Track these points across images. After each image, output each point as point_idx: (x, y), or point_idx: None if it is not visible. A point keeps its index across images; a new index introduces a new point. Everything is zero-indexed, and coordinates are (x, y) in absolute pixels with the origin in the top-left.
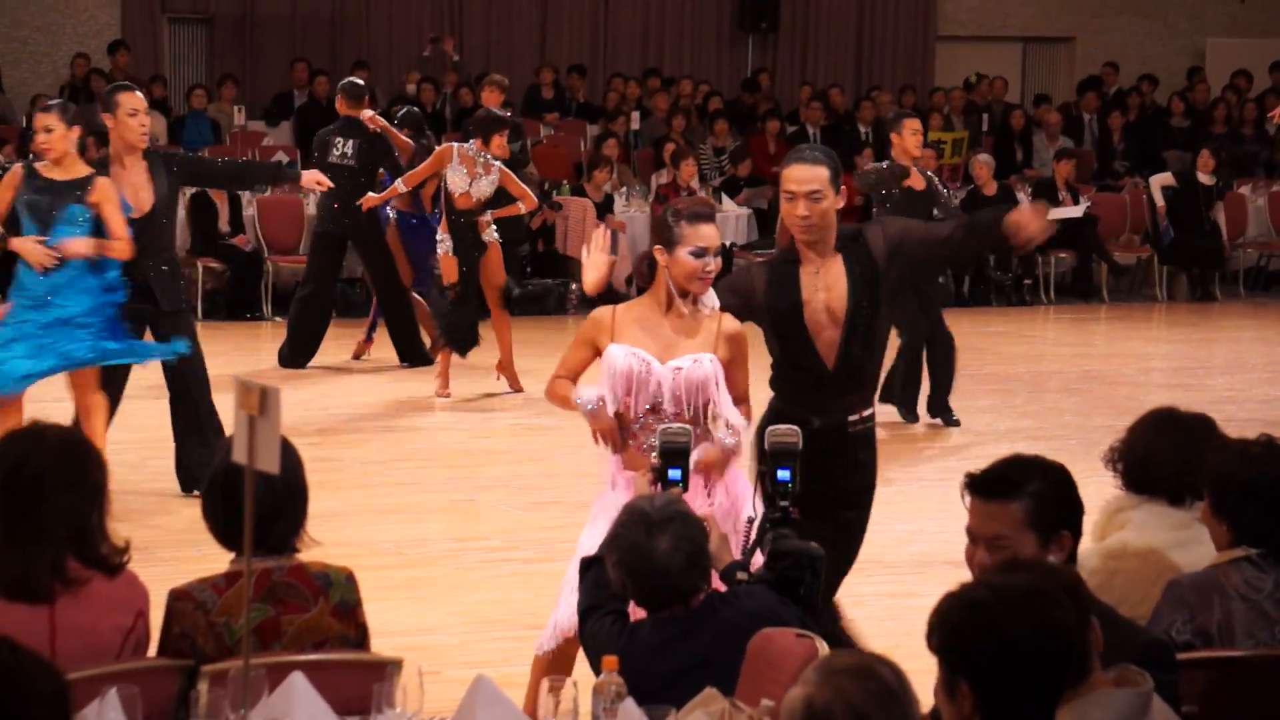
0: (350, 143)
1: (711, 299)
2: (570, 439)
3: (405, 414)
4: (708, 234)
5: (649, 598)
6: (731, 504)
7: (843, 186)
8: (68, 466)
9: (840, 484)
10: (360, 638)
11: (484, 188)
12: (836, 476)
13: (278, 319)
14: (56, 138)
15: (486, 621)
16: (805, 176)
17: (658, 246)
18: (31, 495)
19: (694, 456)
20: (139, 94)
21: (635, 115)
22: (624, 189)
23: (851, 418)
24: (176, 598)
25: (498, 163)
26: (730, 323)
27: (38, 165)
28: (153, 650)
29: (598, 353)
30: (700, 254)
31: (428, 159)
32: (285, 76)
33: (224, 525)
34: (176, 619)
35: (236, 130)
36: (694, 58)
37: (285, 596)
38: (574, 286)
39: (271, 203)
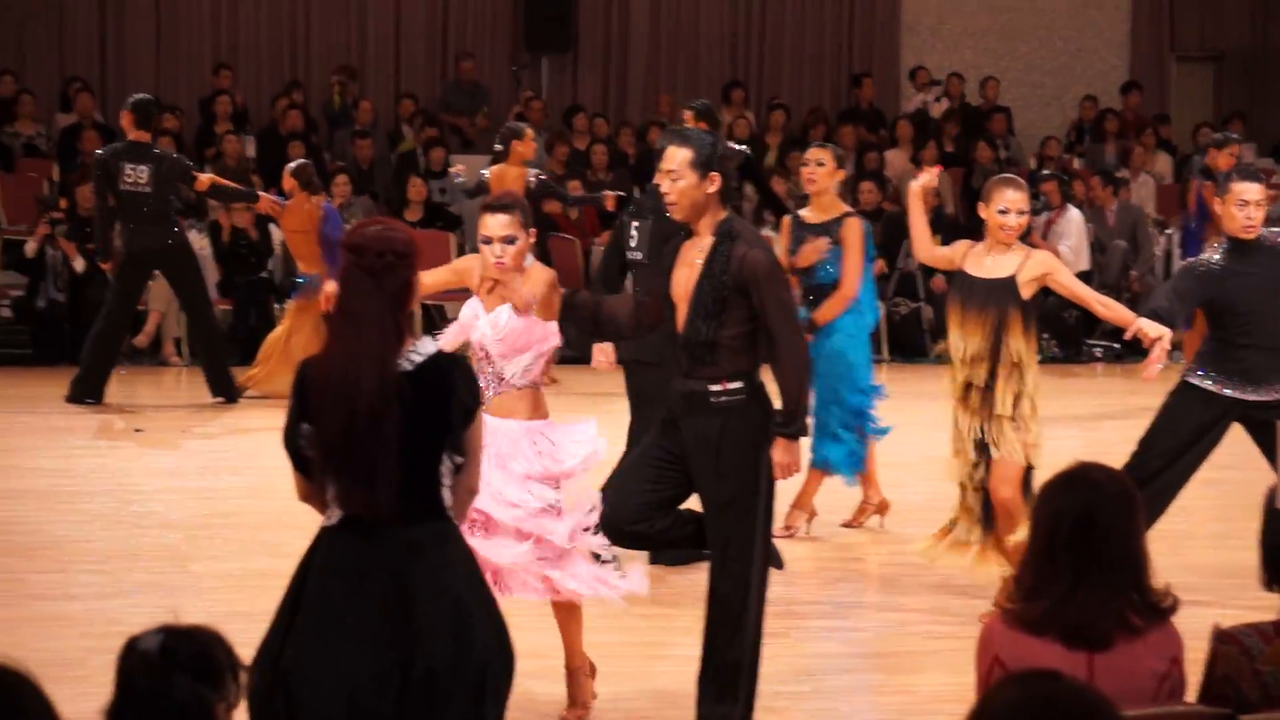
0: None
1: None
2: None
3: None
4: (490, 223)
5: None
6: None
7: (712, 174)
8: (1127, 506)
9: (710, 456)
10: None
11: None
12: (706, 446)
13: None
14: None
15: None
16: (667, 155)
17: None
18: (1098, 540)
19: None
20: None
21: None
22: None
23: (713, 388)
24: (1221, 640)
25: None
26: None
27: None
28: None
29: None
30: (486, 241)
31: None
32: None
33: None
34: (1220, 662)
35: None
36: None
37: None
38: None
39: None
